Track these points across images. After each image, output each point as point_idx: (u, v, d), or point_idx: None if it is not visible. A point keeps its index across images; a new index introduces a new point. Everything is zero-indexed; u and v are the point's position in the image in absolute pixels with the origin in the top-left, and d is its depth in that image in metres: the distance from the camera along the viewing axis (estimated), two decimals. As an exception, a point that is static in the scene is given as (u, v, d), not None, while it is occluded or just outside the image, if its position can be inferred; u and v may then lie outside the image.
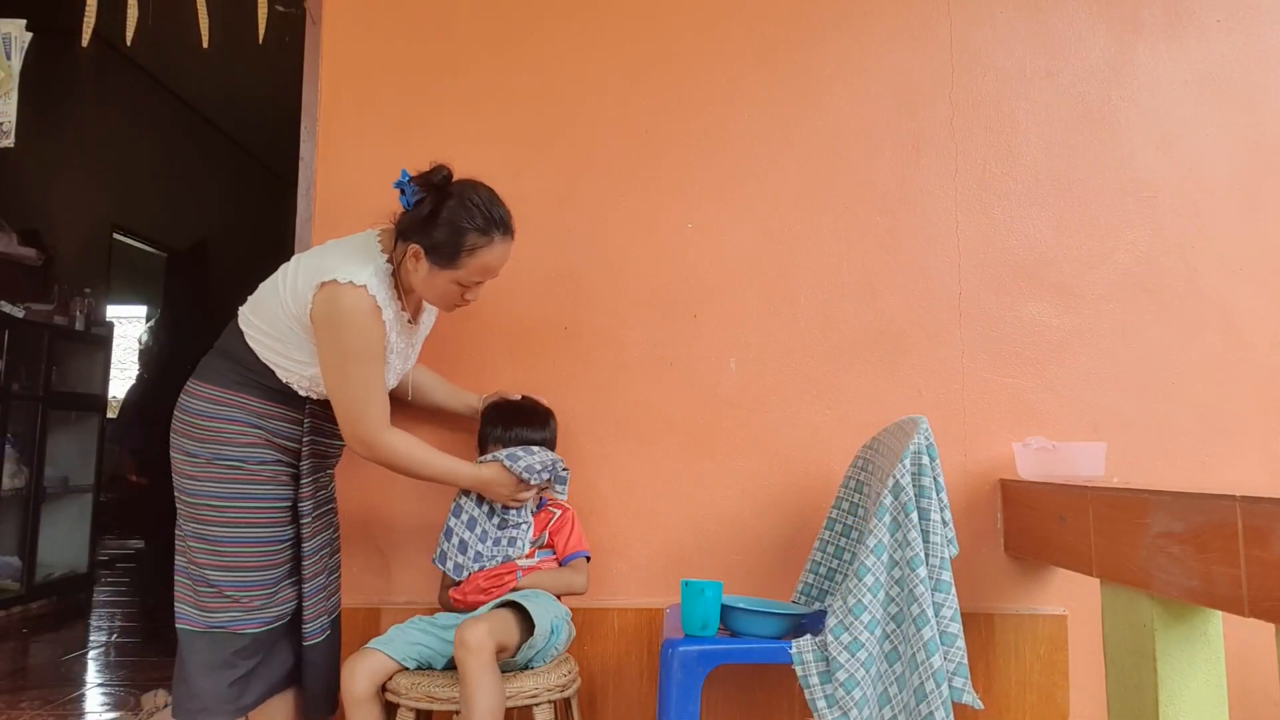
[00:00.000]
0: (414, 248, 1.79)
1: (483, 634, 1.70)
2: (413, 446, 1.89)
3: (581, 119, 2.38)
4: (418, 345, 2.04)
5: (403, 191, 1.80)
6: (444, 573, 2.02)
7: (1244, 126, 2.39)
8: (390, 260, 1.83)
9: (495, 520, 2.01)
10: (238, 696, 1.80)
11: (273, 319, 1.82)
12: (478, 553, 1.97)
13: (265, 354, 1.83)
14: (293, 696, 1.93)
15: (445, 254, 1.78)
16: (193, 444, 1.83)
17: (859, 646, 1.75)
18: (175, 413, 1.87)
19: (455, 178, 1.83)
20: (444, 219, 1.77)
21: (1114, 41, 2.41)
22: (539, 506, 2.09)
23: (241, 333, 1.85)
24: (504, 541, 1.98)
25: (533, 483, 1.96)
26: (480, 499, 2.00)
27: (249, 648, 1.82)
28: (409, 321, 1.94)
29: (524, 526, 2.00)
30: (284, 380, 1.84)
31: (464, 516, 2.00)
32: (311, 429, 1.90)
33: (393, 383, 1.96)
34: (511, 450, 1.98)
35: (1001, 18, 2.41)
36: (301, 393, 1.86)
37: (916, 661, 1.73)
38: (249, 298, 1.90)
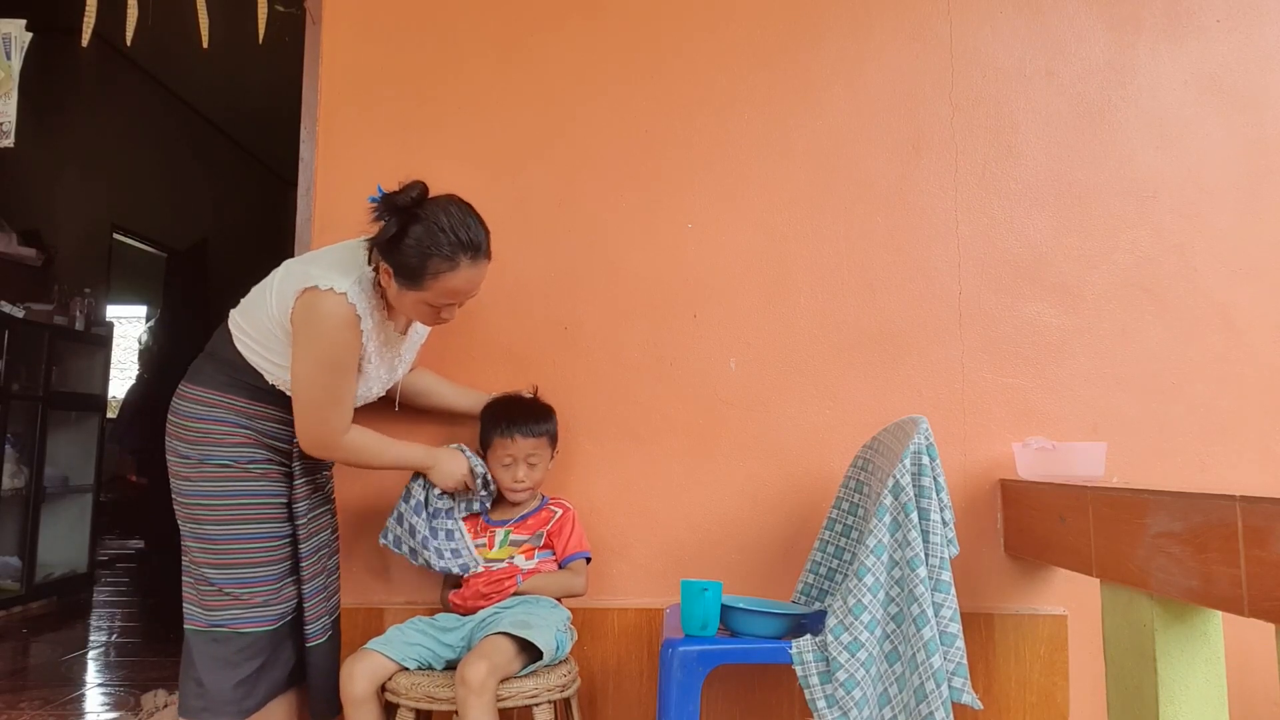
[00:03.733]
0: (384, 266, 1.78)
1: (484, 673, 1.69)
2: (368, 440, 1.90)
3: (581, 119, 2.38)
4: (407, 355, 2.03)
5: (375, 209, 1.78)
6: (433, 570, 2.02)
7: (1244, 126, 2.39)
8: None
9: (433, 508, 2.03)
10: (243, 698, 1.80)
11: (259, 323, 1.82)
12: (424, 537, 2.00)
13: (252, 357, 1.83)
14: (294, 697, 1.93)
15: (410, 276, 1.76)
16: (185, 446, 1.83)
17: (859, 646, 1.75)
18: (168, 415, 1.88)
19: (432, 193, 1.79)
20: (409, 243, 1.74)
21: (1114, 41, 2.41)
22: (540, 505, 2.09)
23: (230, 335, 1.86)
24: (443, 545, 2.01)
25: (477, 477, 2.00)
26: (424, 485, 2.02)
27: (252, 647, 1.82)
28: (397, 332, 1.94)
29: (458, 532, 2.03)
30: (271, 382, 1.84)
31: (412, 502, 2.02)
32: None
33: (378, 392, 1.97)
34: (475, 458, 2.03)
35: (1001, 18, 2.41)
36: (289, 394, 1.86)
37: (916, 661, 1.73)
38: (241, 301, 1.90)
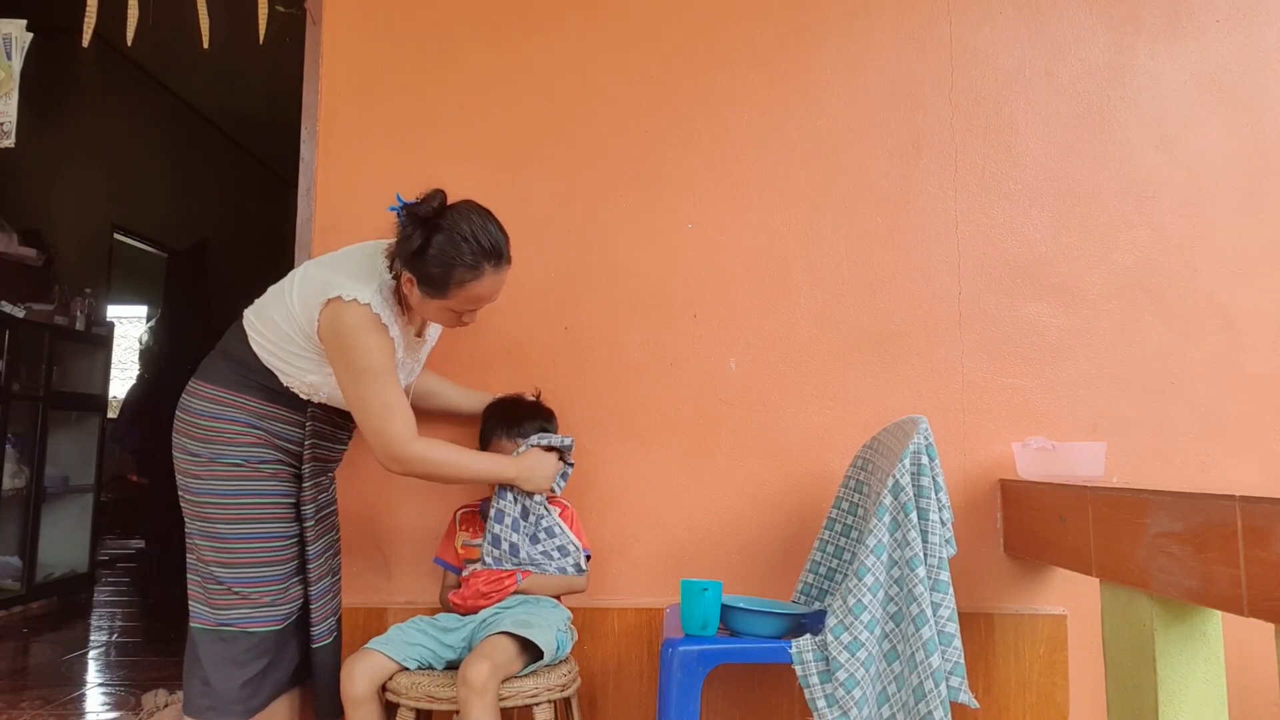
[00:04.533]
0: (406, 275, 1.78)
1: (486, 674, 1.69)
2: (447, 452, 1.88)
3: (581, 120, 2.38)
4: (422, 359, 2.04)
5: (398, 218, 1.78)
6: (447, 572, 2.02)
7: (1244, 126, 2.39)
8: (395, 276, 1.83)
9: (531, 520, 1.98)
10: (249, 698, 1.81)
11: (277, 324, 1.82)
12: (528, 554, 1.96)
13: (267, 358, 1.83)
14: (296, 696, 1.93)
15: (435, 285, 1.77)
16: (194, 444, 1.83)
17: (859, 646, 1.75)
18: (177, 412, 1.87)
19: (450, 200, 1.79)
20: (432, 254, 1.74)
21: (1114, 41, 2.41)
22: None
23: (245, 335, 1.86)
24: (547, 546, 1.98)
25: (565, 456, 1.99)
26: (516, 498, 1.97)
27: (259, 647, 1.82)
28: (415, 336, 1.95)
29: (557, 527, 2.00)
30: (285, 384, 1.84)
31: (508, 520, 1.96)
32: (312, 433, 1.90)
33: None
34: (539, 435, 2.00)
35: (1001, 18, 2.41)
36: (303, 397, 1.86)
37: (915, 661, 1.73)
38: (256, 300, 1.90)
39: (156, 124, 6.05)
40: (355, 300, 1.74)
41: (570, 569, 1.99)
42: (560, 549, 1.99)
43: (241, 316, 1.90)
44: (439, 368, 2.21)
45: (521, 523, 1.97)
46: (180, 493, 1.86)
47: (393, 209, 1.78)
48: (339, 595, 2.02)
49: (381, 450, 1.80)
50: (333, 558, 1.99)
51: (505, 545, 1.95)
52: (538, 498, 1.99)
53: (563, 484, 2.05)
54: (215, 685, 1.79)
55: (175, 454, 1.86)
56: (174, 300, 6.16)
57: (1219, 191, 2.37)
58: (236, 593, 1.81)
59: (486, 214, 1.82)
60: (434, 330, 2.05)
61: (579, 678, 1.95)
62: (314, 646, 1.89)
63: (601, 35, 2.40)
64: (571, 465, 2.06)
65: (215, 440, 1.82)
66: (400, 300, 1.84)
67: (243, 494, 1.82)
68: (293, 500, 1.89)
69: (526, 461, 1.96)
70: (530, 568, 1.96)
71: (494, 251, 1.78)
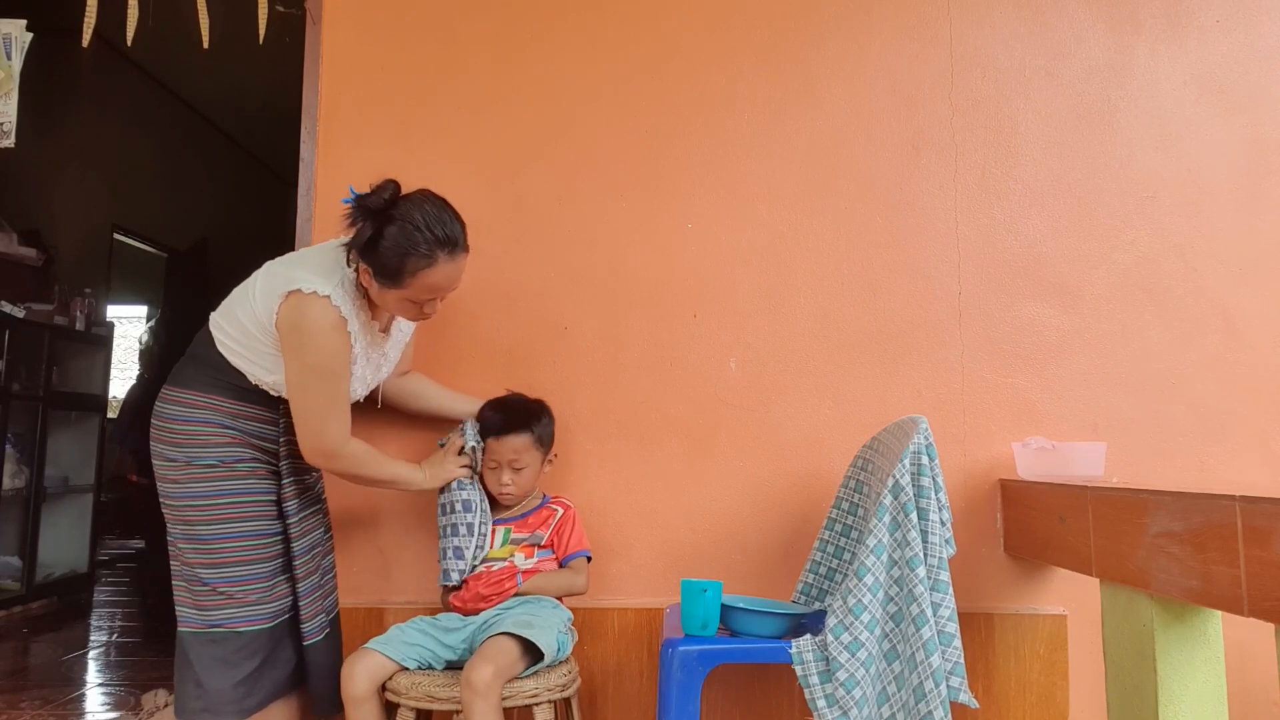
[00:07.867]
0: (363, 267, 1.77)
1: (490, 677, 1.69)
2: (370, 456, 1.91)
3: (581, 119, 2.38)
4: (392, 355, 2.01)
5: (349, 213, 1.76)
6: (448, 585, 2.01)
7: (1244, 126, 2.39)
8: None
9: (463, 501, 2.01)
10: (243, 698, 1.80)
11: (241, 323, 1.81)
12: (478, 547, 1.98)
13: (234, 359, 1.83)
14: (295, 700, 1.93)
15: (390, 276, 1.75)
16: (169, 449, 1.83)
17: (859, 646, 1.75)
18: (152, 419, 1.87)
19: (431, 193, 1.79)
20: (386, 245, 1.73)
21: (1114, 41, 2.41)
22: (541, 503, 2.08)
23: (212, 337, 1.85)
24: (462, 529, 1.99)
25: (473, 453, 2.00)
26: (466, 506, 2.00)
27: (249, 646, 1.81)
28: (380, 331, 1.93)
29: (479, 527, 1.99)
30: (254, 383, 1.84)
31: (467, 503, 2.00)
32: (287, 429, 1.88)
33: (361, 393, 1.95)
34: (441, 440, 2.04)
35: (1001, 18, 2.41)
36: (273, 394, 1.86)
37: (915, 661, 1.73)
38: (221, 303, 1.89)
39: (156, 124, 6.05)
40: (315, 293, 1.73)
41: (455, 574, 1.97)
42: (455, 550, 1.98)
43: (208, 320, 1.89)
44: (437, 368, 2.21)
45: (475, 529, 1.99)
46: (160, 498, 1.86)
47: (346, 200, 1.77)
48: (332, 594, 2.01)
49: (313, 446, 1.81)
50: (323, 556, 1.98)
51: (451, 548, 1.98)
52: (460, 488, 2.01)
53: (471, 434, 2.03)
54: (208, 686, 1.79)
55: (154, 460, 1.86)
56: (174, 300, 6.17)
57: (1219, 191, 2.37)
58: (222, 593, 1.81)
59: (441, 202, 1.80)
60: (407, 326, 2.03)
61: (579, 678, 1.95)
62: (305, 644, 1.89)
63: (601, 35, 2.40)
64: (479, 443, 2.02)
65: (190, 444, 1.82)
66: (363, 294, 1.84)
67: (221, 494, 1.82)
68: (273, 498, 1.88)
69: (431, 463, 2.01)
70: (477, 564, 1.97)
71: (448, 240, 1.77)
